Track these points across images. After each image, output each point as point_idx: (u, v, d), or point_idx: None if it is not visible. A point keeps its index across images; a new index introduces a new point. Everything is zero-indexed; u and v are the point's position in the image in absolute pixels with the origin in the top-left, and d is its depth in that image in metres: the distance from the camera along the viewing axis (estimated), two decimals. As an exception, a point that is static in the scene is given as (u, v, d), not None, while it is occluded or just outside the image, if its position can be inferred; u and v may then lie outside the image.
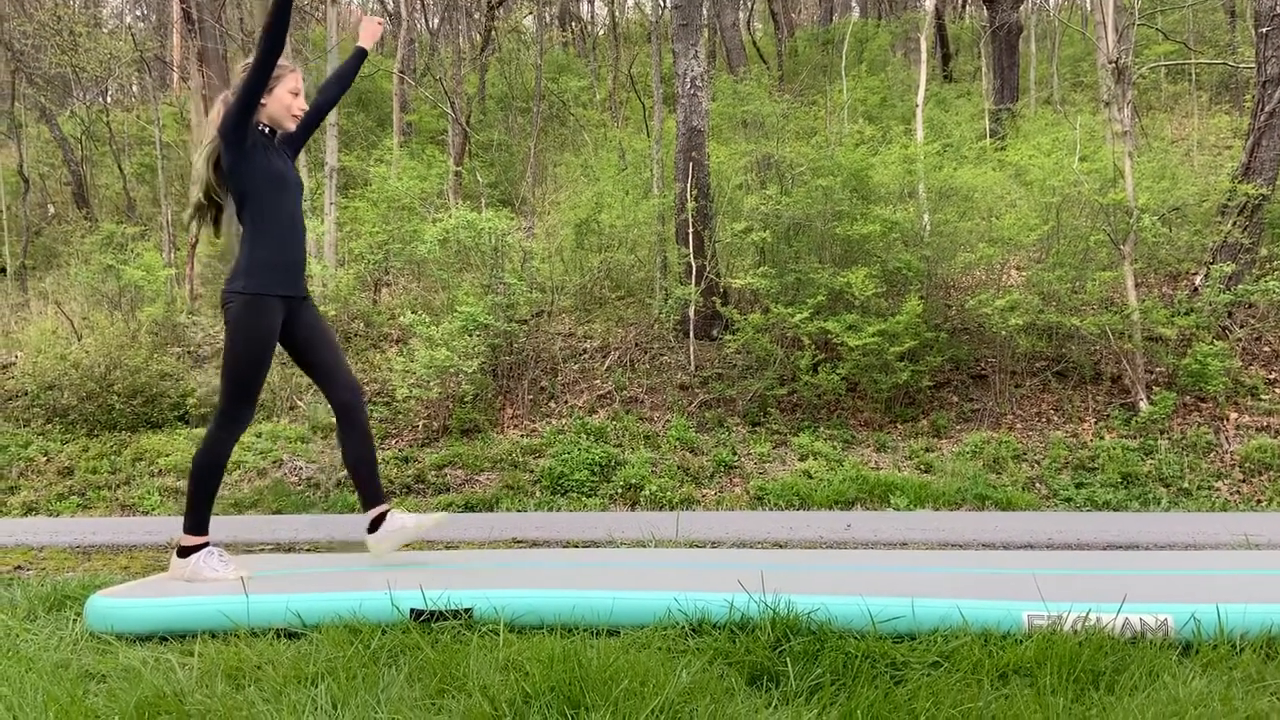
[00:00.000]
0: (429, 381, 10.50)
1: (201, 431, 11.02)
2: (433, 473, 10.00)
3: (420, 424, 10.83)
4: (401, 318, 11.34)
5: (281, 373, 11.60)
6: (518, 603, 3.04)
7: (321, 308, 11.60)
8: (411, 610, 3.05)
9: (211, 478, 3.72)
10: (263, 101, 3.69)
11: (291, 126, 3.84)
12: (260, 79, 3.53)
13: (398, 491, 9.87)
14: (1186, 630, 2.70)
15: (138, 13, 24.32)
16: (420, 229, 12.08)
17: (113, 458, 10.68)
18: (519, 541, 6.46)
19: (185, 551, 3.68)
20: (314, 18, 20.17)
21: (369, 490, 3.89)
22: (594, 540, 6.24)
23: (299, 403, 11.34)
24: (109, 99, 22.09)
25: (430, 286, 12.99)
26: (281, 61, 3.72)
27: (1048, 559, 4.12)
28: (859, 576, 3.45)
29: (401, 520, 3.83)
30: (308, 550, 6.46)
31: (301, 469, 10.27)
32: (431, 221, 11.80)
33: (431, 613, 3.03)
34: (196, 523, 3.71)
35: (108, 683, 2.68)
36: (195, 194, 3.79)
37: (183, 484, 10.23)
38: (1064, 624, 2.69)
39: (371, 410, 11.14)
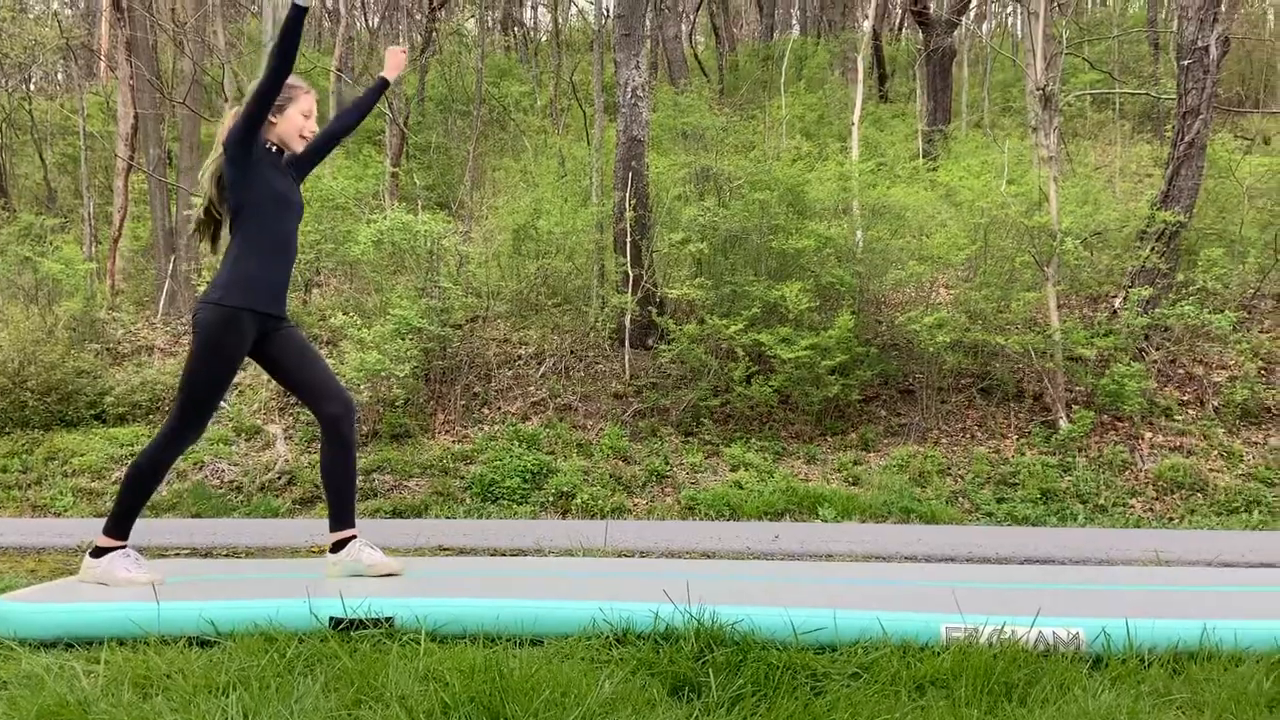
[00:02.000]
0: (359, 385, 10.33)
1: (119, 431, 10.69)
2: (360, 478, 9.83)
3: (349, 428, 10.64)
4: (332, 319, 11.15)
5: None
6: (440, 611, 3.00)
7: (249, 307, 11.34)
8: (331, 618, 2.99)
9: (147, 486, 3.60)
10: (273, 120, 3.60)
11: (299, 148, 3.74)
12: (268, 96, 3.45)
13: (323, 496, 9.68)
14: (1097, 644, 2.78)
15: (65, -2, 23.60)
16: (354, 230, 11.90)
17: (24, 456, 10.30)
18: (445, 549, 6.39)
19: (100, 552, 3.56)
20: (250, 11, 19.79)
21: (342, 511, 3.75)
22: (521, 549, 6.20)
23: (222, 404, 11.06)
24: (32, 86, 21.37)
25: (362, 288, 12.80)
26: (296, 82, 3.65)
27: (968, 572, 4.21)
28: (783, 588, 3.47)
29: (370, 555, 3.70)
30: (226, 556, 6.30)
31: (224, 471, 10.03)
32: (366, 223, 11.63)
33: (351, 621, 2.98)
34: (119, 527, 3.58)
35: (8, 690, 2.58)
36: (198, 208, 3.69)
37: (97, 484, 9.91)
38: (980, 636, 2.75)
39: (299, 413, 10.93)
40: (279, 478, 9.90)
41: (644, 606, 2.91)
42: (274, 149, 3.67)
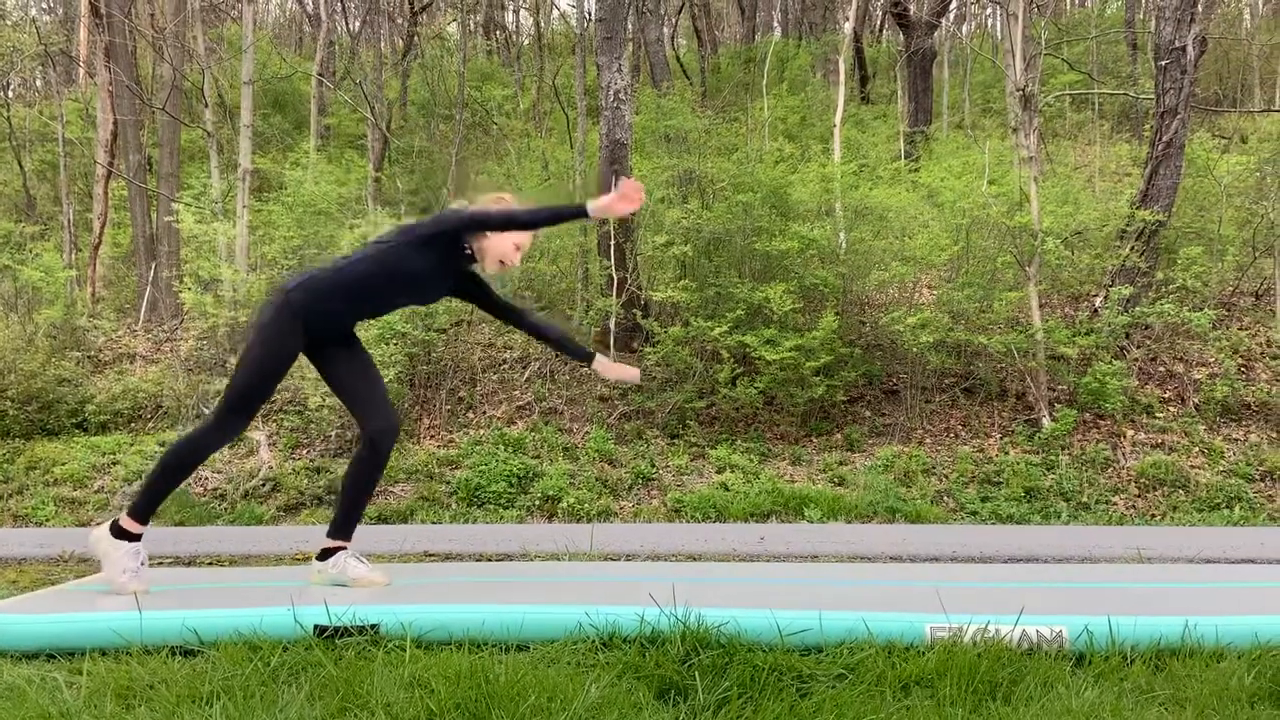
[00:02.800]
0: (343, 390, 10.28)
1: (101, 440, 10.61)
2: (346, 484, 9.78)
3: (333, 433, 10.61)
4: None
5: (188, 380, 11.26)
6: (426, 618, 2.99)
7: (231, 313, 11.29)
8: (315, 626, 2.98)
9: (178, 475, 3.59)
10: (489, 234, 3.58)
11: (489, 268, 3.69)
12: (505, 227, 3.49)
13: (308, 503, 9.65)
14: (1080, 642, 2.79)
15: (44, 5, 23.43)
16: (337, 234, 11.85)
17: (5, 466, 10.21)
18: (430, 555, 6.37)
19: (121, 533, 3.52)
20: (230, 17, 19.70)
21: (347, 522, 3.75)
22: (508, 553, 6.19)
23: (206, 410, 11.00)
24: (10, 93, 21.21)
25: (346, 294, 12.73)
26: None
27: (952, 571, 4.23)
28: (770, 589, 3.48)
29: (356, 568, 3.69)
30: (210, 564, 6.26)
31: (207, 479, 9.97)
32: (349, 228, 11.58)
33: (336, 629, 2.96)
34: (144, 510, 3.55)
35: (-12, 703, 2.55)
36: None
37: (79, 494, 9.83)
38: (964, 636, 2.76)
39: (282, 419, 10.88)
40: (263, 485, 9.85)
41: (630, 610, 2.91)
42: (468, 250, 3.62)
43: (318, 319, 3.53)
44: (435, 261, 3.56)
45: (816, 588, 3.51)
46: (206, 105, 12.52)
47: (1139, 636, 2.79)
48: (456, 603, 3.12)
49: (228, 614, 3.04)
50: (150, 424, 10.97)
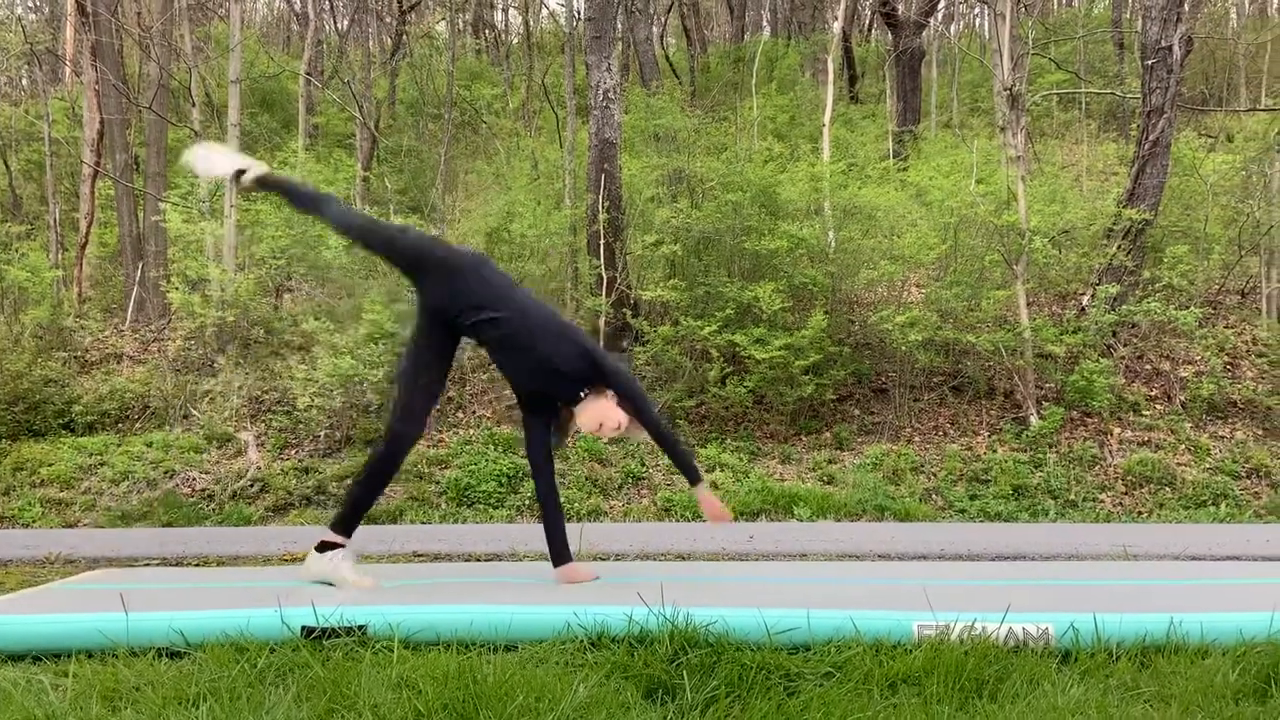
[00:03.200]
0: (332, 390, 10.25)
1: (87, 440, 10.54)
2: (334, 484, 9.76)
3: (322, 434, 10.57)
4: (304, 324, 11.06)
5: (175, 381, 11.21)
6: (414, 619, 2.99)
7: (219, 313, 11.25)
8: (303, 628, 2.97)
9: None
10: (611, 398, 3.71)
11: (585, 424, 3.73)
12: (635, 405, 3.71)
13: (296, 503, 9.61)
14: (1066, 639, 2.81)
15: (29, 3, 23.30)
16: (326, 234, 11.81)
17: (-9, 467, 10.14)
18: (420, 555, 6.35)
19: (325, 547, 3.74)
20: (217, 15, 19.61)
21: (353, 520, 3.91)
22: (497, 554, 6.19)
23: (193, 411, 10.96)
24: (-5, 91, 21.07)
25: (334, 293, 12.70)
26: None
27: (940, 570, 4.24)
28: (758, 588, 3.49)
29: (347, 570, 3.75)
30: (197, 565, 6.23)
31: (195, 480, 9.92)
32: (337, 227, 11.53)
33: (324, 630, 2.96)
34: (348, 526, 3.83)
35: (-28, 707, 2.54)
36: None
37: (66, 494, 9.75)
38: (951, 634, 2.77)
39: (270, 420, 10.85)
40: (251, 485, 9.80)
41: (619, 610, 2.91)
42: (582, 395, 3.69)
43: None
44: (571, 373, 3.65)
45: (805, 586, 3.52)
46: (194, 104, 12.45)
47: (1125, 634, 2.81)
48: (444, 603, 3.12)
49: (214, 615, 3.03)
50: (138, 425, 10.91)
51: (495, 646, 2.88)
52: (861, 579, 3.82)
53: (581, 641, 2.85)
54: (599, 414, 3.64)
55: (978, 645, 2.68)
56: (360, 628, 2.97)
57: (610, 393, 3.65)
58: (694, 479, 3.88)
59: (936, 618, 2.80)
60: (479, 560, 6.05)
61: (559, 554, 3.79)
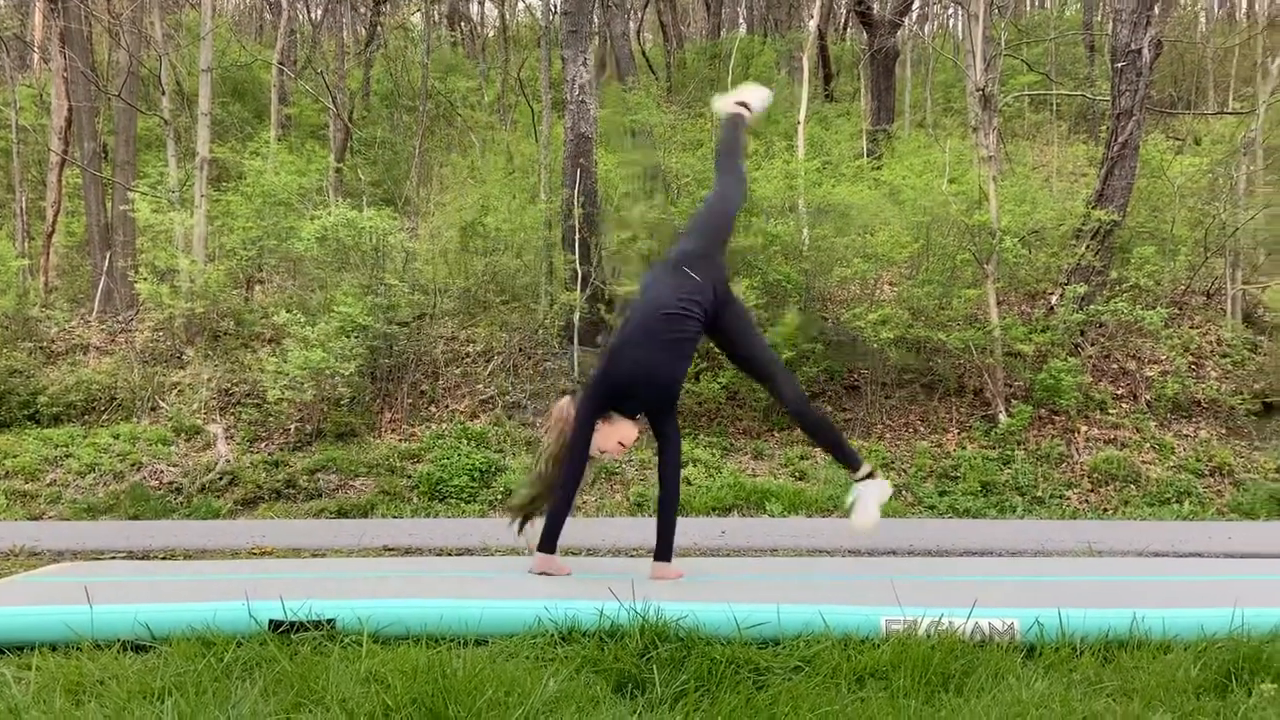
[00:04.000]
0: (303, 383, 10.17)
1: (53, 432, 10.39)
2: (305, 477, 9.69)
3: (292, 427, 10.49)
4: (275, 316, 10.96)
5: (143, 372, 11.08)
6: (383, 612, 2.97)
7: (188, 304, 11.12)
8: (270, 621, 2.95)
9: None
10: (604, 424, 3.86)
11: (605, 446, 3.91)
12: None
13: (266, 496, 9.53)
14: (1031, 634, 2.84)
15: (-6, -14, 22.88)
16: (298, 225, 11.72)
17: (-46, 459, 9.98)
18: (390, 549, 6.32)
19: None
20: (189, 3, 19.36)
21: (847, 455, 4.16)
22: (468, 548, 6.17)
23: (161, 403, 10.84)
24: (-41, 76, 20.67)
25: (306, 285, 12.60)
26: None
27: (908, 565, 4.28)
28: (729, 584, 3.50)
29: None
30: (164, 559, 6.16)
31: (162, 473, 9.81)
32: (310, 219, 11.45)
33: (291, 623, 2.94)
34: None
35: (-68, 700, 2.50)
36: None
37: (30, 486, 9.62)
38: (919, 629, 2.80)
39: (240, 412, 10.75)
40: (220, 478, 9.71)
41: (590, 604, 2.92)
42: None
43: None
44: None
45: (776, 582, 3.54)
46: (164, 93, 12.29)
47: (1089, 629, 2.84)
48: (414, 597, 3.11)
49: (181, 608, 3.01)
50: (104, 416, 10.78)
51: (465, 641, 2.87)
52: (831, 574, 3.85)
53: (552, 636, 2.85)
54: (601, 441, 3.90)
55: (944, 640, 2.71)
56: (329, 622, 2.95)
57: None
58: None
59: (904, 613, 2.83)
60: (451, 555, 6.03)
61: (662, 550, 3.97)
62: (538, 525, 3.89)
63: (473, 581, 3.58)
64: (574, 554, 5.89)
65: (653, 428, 4.00)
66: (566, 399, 3.95)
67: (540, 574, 3.73)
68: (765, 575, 3.77)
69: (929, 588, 3.37)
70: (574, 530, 7.38)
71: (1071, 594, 3.26)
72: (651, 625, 2.76)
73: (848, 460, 4.03)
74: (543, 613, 2.90)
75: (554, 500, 3.86)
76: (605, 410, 3.82)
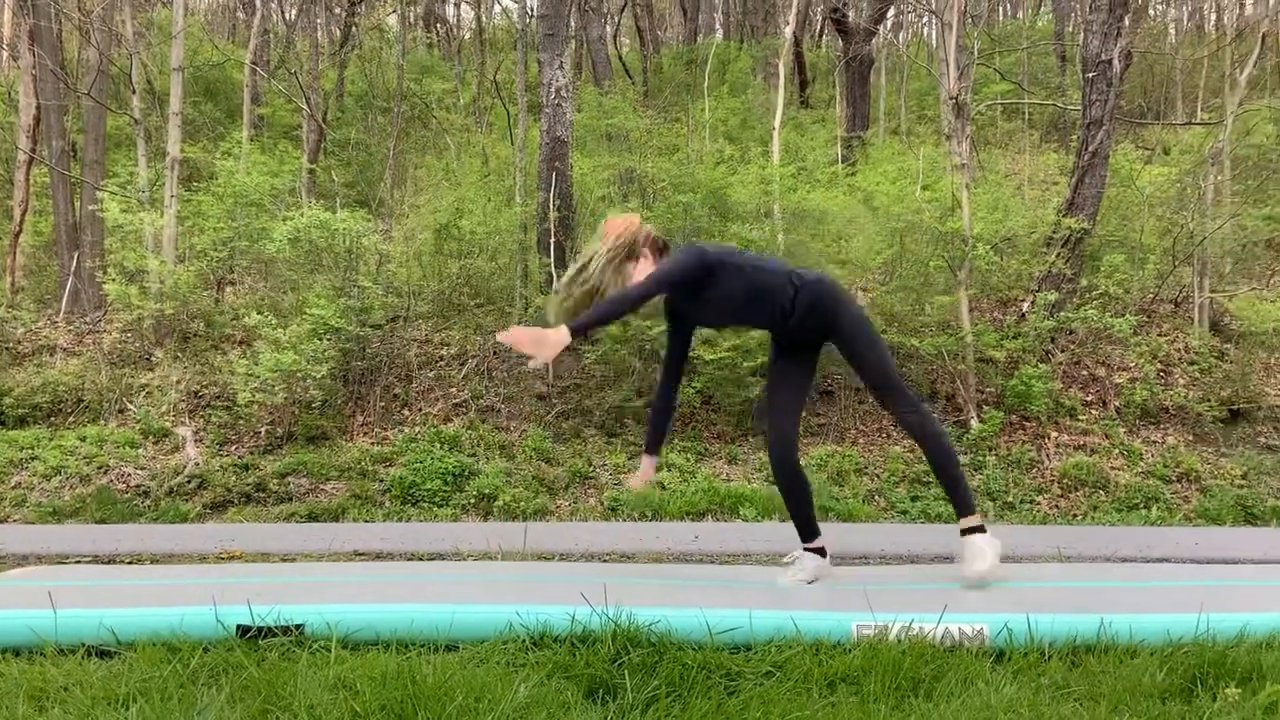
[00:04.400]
0: (273, 386, 10.08)
1: (19, 434, 10.22)
2: (275, 481, 9.60)
3: (263, 430, 10.39)
4: (246, 318, 10.86)
5: (111, 374, 10.94)
6: (353, 618, 2.95)
7: (158, 305, 11.00)
8: (238, 627, 2.92)
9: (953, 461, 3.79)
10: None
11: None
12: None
13: (235, 500, 9.43)
14: (1000, 639, 2.86)
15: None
16: (269, 226, 11.62)
17: (-85, 460, 9.81)
18: (361, 554, 6.27)
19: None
20: (160, 1, 19.17)
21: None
22: (440, 553, 6.13)
23: (129, 405, 10.70)
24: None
25: (278, 286, 12.50)
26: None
27: (880, 572, 4.30)
28: (701, 589, 3.50)
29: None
30: (130, 563, 6.08)
31: (129, 475, 9.69)
32: (283, 219, 11.36)
33: (260, 629, 2.91)
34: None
35: (-112, 708, 2.46)
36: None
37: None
38: (889, 633, 2.81)
39: (209, 415, 10.63)
40: (189, 481, 9.60)
41: (561, 609, 2.91)
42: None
43: None
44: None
45: (748, 587, 3.54)
46: (134, 91, 12.15)
47: (1056, 634, 2.87)
48: (384, 602, 3.08)
49: (146, 613, 2.97)
50: (71, 418, 10.63)
51: (436, 646, 2.85)
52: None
53: (523, 641, 2.84)
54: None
55: (914, 645, 2.72)
56: (297, 627, 2.92)
57: None
58: None
59: (876, 618, 2.84)
60: (422, 559, 5.99)
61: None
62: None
63: (444, 585, 3.56)
64: (546, 558, 5.87)
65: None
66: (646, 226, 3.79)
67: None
68: (738, 582, 3.77)
69: (900, 593, 3.39)
70: (548, 535, 7.37)
71: (1040, 599, 3.28)
72: (624, 630, 2.75)
73: None
74: (514, 618, 2.88)
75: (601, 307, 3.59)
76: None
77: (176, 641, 2.82)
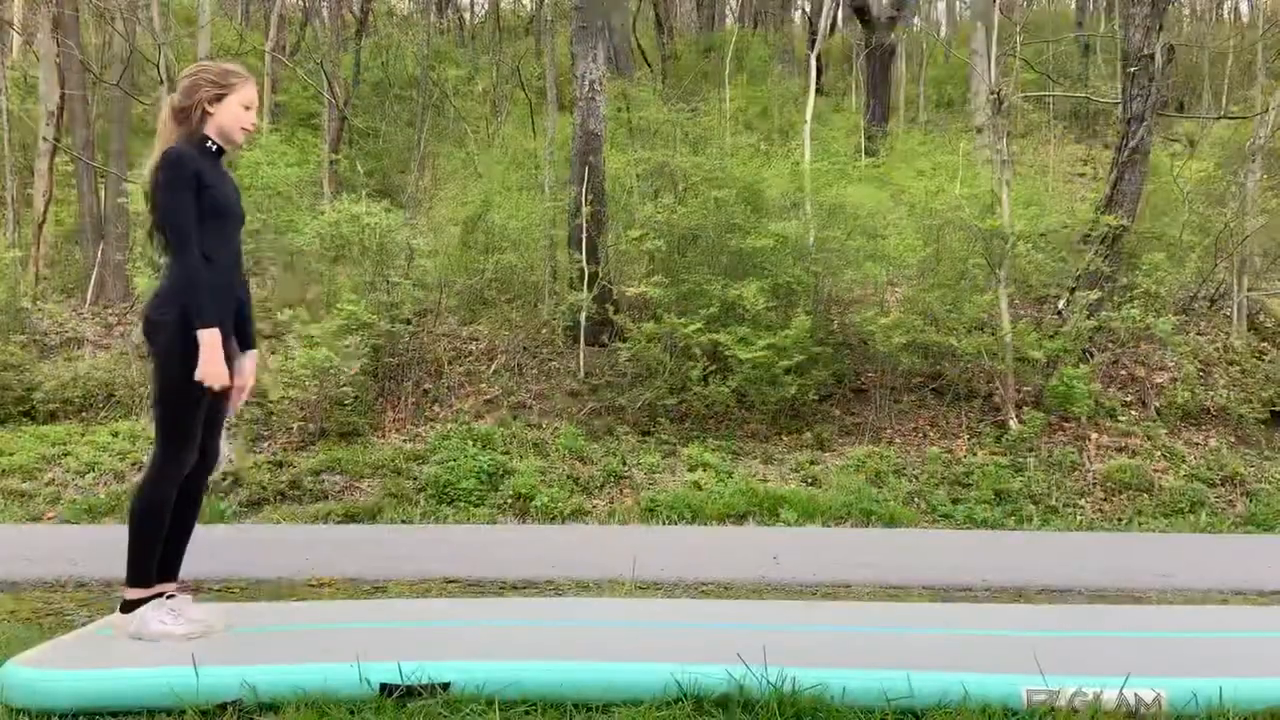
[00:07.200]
0: (306, 382, 9.96)
1: (50, 429, 10.11)
2: (309, 478, 9.51)
3: (295, 426, 10.28)
4: (277, 314, 10.72)
5: (141, 369, 10.80)
6: (501, 675, 2.84)
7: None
8: (382, 685, 2.82)
9: (152, 524, 3.38)
10: (209, 110, 3.36)
11: (240, 141, 3.51)
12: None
13: (271, 499, 9.33)
14: (1187, 707, 2.69)
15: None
16: (296, 219, 11.46)
17: (-54, 458, 9.68)
18: (451, 581, 6.05)
19: (129, 606, 3.31)
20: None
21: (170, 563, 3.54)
22: (531, 580, 5.92)
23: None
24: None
25: (303, 280, 12.33)
26: (235, 68, 3.44)
27: (1039, 618, 3.99)
28: (851, 638, 3.35)
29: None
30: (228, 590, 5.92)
31: (165, 475, 9.57)
32: (312, 214, 11.20)
33: (406, 688, 2.81)
34: (138, 576, 3.33)
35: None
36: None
37: (29, 485, 9.37)
38: (1061, 700, 2.68)
39: (241, 411, 10.49)
40: (223, 479, 9.50)
41: (717, 669, 2.80)
42: (214, 147, 3.43)
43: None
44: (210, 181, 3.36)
45: (901, 636, 3.39)
46: (162, 81, 11.92)
47: (1254, 700, 2.67)
48: (534, 659, 2.97)
49: (290, 670, 2.86)
50: (103, 413, 10.51)
51: (590, 706, 2.76)
52: (961, 629, 3.60)
53: (685, 706, 2.73)
54: (224, 123, 3.44)
55: (1092, 715, 2.62)
56: (444, 686, 2.82)
57: None
58: None
59: (1046, 682, 2.73)
60: (513, 587, 5.78)
61: None
62: None
63: (582, 633, 3.38)
64: (643, 587, 5.71)
65: None
66: None
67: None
68: (887, 629, 3.54)
69: (1070, 645, 3.22)
70: (645, 561, 7.07)
71: (1223, 656, 3.05)
72: (788, 698, 2.65)
73: None
74: (669, 679, 2.78)
75: None
76: None
77: (323, 702, 2.72)
